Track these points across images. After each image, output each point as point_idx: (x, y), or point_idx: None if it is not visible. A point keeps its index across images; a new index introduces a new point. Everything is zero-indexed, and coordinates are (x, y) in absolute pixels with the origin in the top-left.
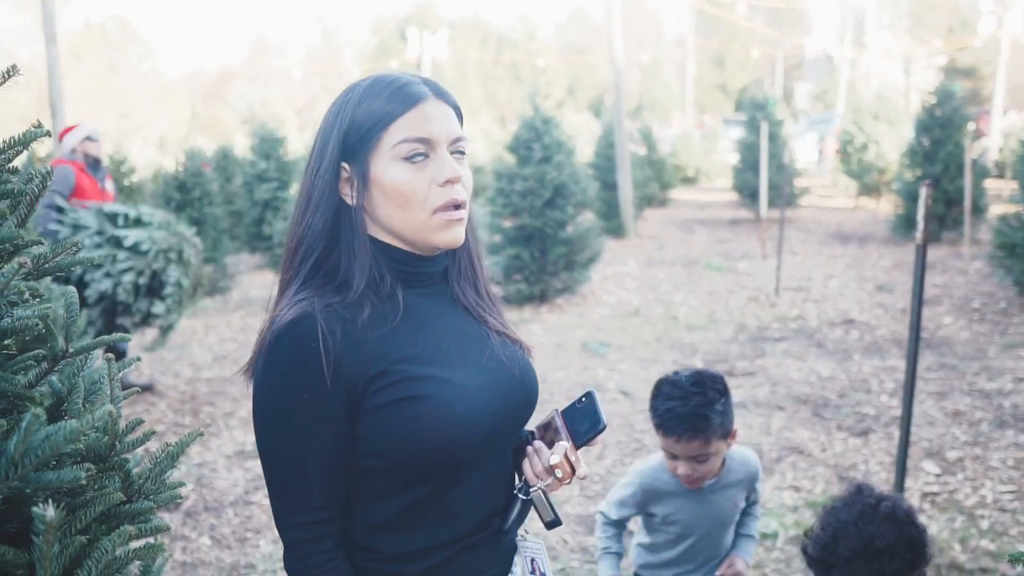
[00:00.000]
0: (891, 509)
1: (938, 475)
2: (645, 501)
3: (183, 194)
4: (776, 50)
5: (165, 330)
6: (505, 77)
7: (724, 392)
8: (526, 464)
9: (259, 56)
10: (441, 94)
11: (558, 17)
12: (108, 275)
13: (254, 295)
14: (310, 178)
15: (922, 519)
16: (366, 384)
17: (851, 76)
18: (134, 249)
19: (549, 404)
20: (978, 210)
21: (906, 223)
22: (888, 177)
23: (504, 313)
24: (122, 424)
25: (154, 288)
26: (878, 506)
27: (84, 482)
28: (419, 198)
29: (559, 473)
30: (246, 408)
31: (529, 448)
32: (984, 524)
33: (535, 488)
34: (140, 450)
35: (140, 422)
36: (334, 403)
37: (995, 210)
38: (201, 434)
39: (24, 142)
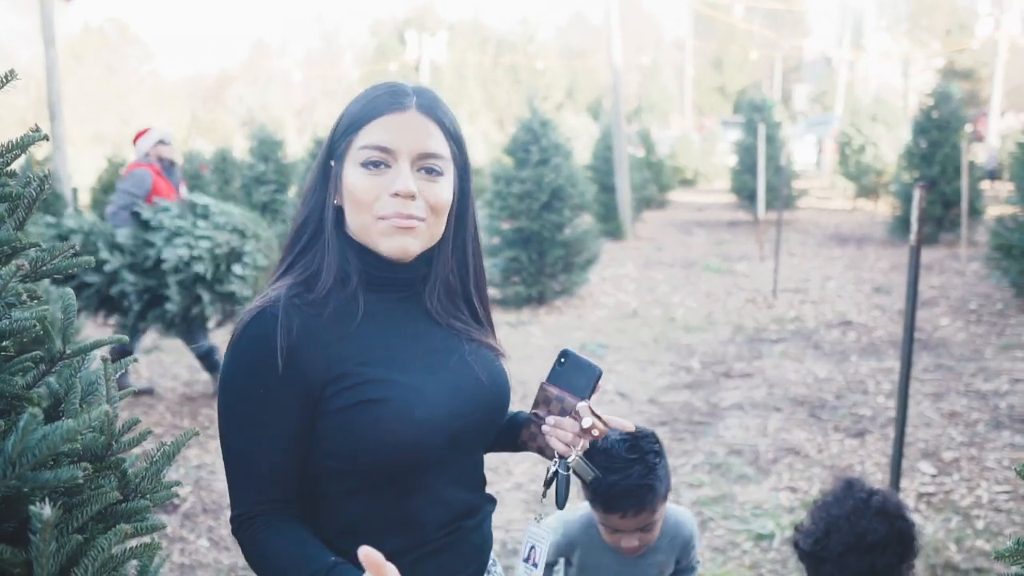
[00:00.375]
0: (882, 504)
1: (934, 475)
2: (568, 551)
3: None
4: (775, 52)
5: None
6: (504, 79)
7: (661, 452)
8: (552, 441)
9: (258, 59)
10: (427, 109)
11: (558, 20)
12: (187, 244)
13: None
14: (313, 171)
15: (917, 519)
16: (326, 385)
17: (850, 78)
18: (206, 215)
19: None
20: (975, 212)
21: (904, 225)
22: (886, 179)
23: (491, 320)
24: (119, 424)
25: (232, 263)
26: (869, 501)
27: (81, 481)
28: (365, 203)
29: (596, 431)
30: None
31: (545, 427)
32: (980, 524)
33: (572, 458)
34: (138, 450)
35: (136, 422)
36: (288, 395)
37: (992, 211)
38: (197, 434)
39: (22, 146)
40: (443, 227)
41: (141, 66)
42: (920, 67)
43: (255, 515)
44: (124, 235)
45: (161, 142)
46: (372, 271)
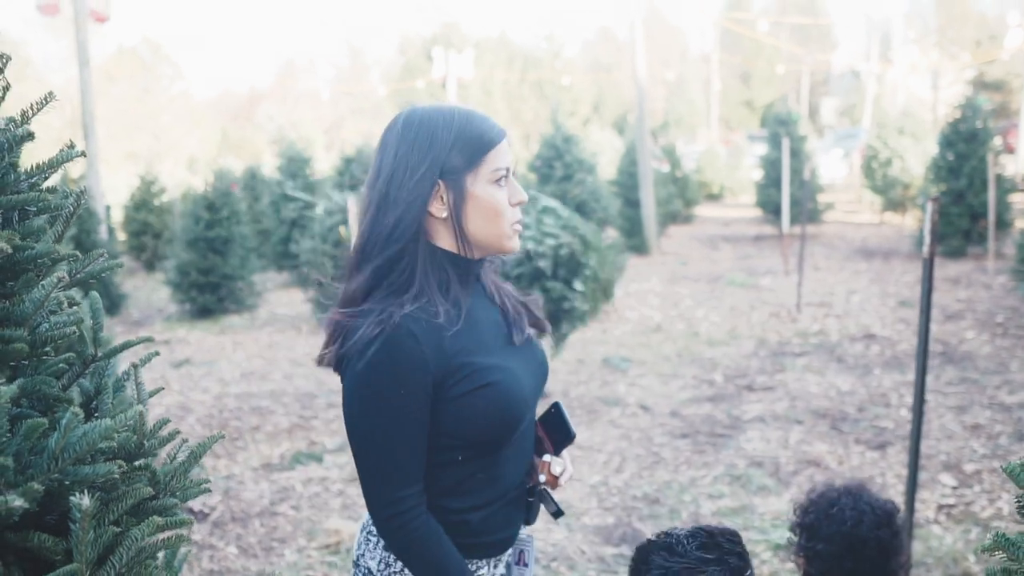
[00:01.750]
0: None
1: (954, 487)
2: None
3: (212, 213)
4: (802, 66)
5: (571, 324)
6: (530, 95)
7: (746, 558)
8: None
9: (288, 77)
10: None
11: (585, 35)
12: (534, 239)
13: (281, 312)
14: (395, 188)
15: (937, 531)
16: (446, 377)
17: (878, 91)
18: (556, 214)
19: (572, 419)
20: (1003, 224)
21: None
22: (913, 192)
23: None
24: (149, 425)
25: (572, 273)
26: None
27: (117, 476)
28: (505, 212)
29: (548, 487)
30: (272, 423)
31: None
32: None
33: (539, 488)
34: (168, 458)
35: (167, 421)
36: (425, 394)
37: (1021, 224)
38: (223, 436)
39: (60, 162)
40: None
41: (173, 86)
42: (950, 79)
43: (408, 508)
44: None
45: None
46: (458, 272)
